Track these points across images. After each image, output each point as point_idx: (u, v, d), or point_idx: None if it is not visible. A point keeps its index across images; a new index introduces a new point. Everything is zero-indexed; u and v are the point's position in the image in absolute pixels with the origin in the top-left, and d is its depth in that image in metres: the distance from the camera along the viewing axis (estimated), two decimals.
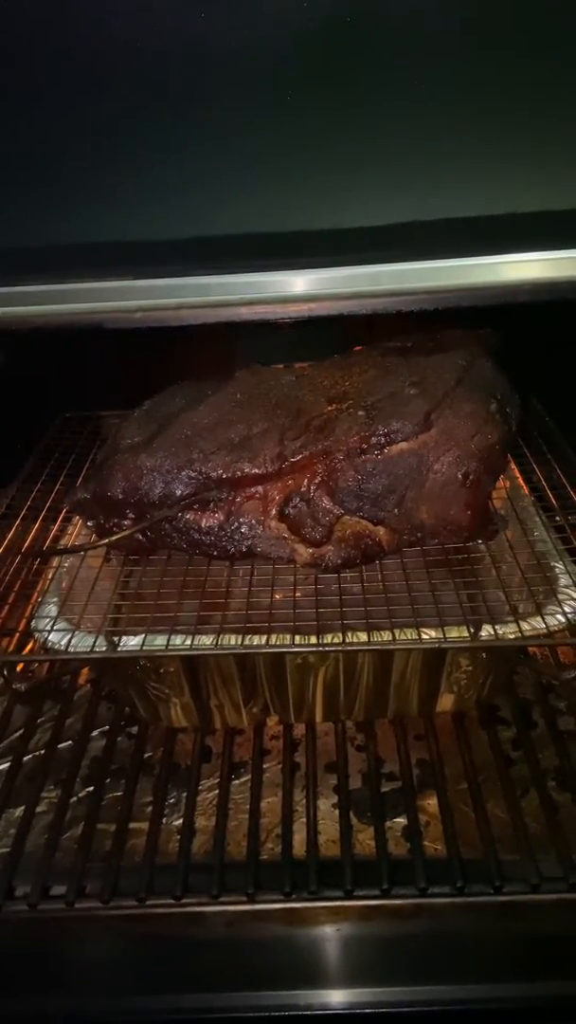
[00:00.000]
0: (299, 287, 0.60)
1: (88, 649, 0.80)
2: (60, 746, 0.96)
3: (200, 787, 0.92)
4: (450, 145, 0.58)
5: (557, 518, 0.95)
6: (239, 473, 0.85)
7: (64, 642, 0.81)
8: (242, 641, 0.79)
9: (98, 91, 0.59)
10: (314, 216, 0.59)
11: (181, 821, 0.87)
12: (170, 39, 0.58)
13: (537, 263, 0.59)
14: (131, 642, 0.80)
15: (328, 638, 0.78)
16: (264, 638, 0.79)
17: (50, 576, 0.91)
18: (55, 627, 0.83)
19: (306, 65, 0.58)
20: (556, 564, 0.88)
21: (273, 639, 0.78)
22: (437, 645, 0.78)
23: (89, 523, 0.92)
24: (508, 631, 0.79)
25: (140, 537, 0.89)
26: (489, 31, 0.57)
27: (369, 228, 0.59)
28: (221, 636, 0.79)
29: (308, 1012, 0.73)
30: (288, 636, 0.78)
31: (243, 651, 0.79)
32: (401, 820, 0.87)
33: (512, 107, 0.57)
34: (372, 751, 0.93)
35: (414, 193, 0.58)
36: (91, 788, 0.91)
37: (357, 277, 0.60)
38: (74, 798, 0.90)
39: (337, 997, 0.73)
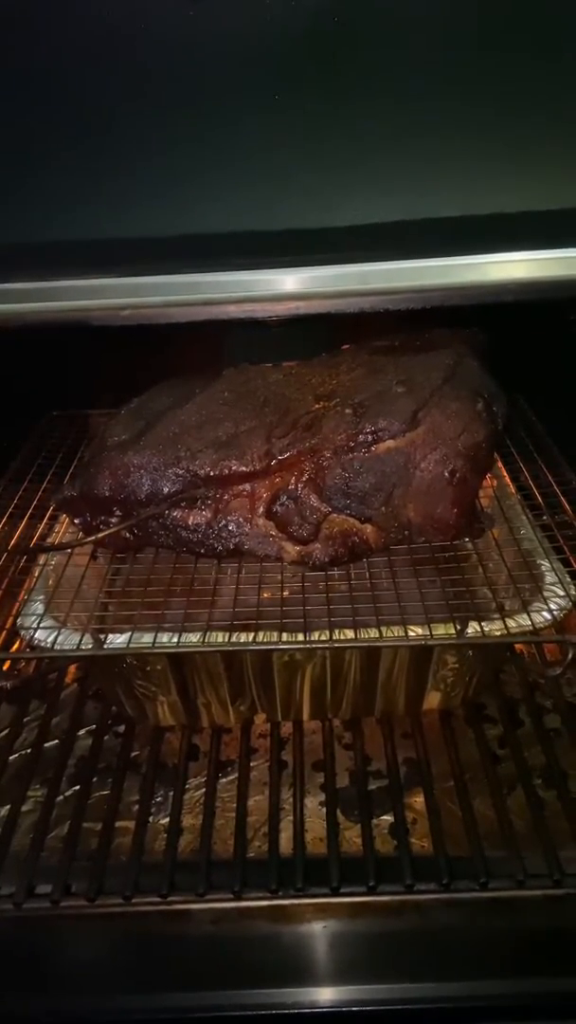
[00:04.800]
0: (287, 285, 0.60)
1: (75, 647, 0.79)
2: (46, 745, 0.96)
3: (187, 786, 0.91)
4: (437, 146, 0.58)
5: (544, 517, 0.95)
6: (226, 471, 0.85)
7: (51, 640, 0.81)
8: (229, 638, 0.79)
9: (86, 89, 0.59)
10: (302, 215, 0.59)
11: (168, 820, 0.87)
12: (159, 37, 0.58)
13: (522, 263, 0.59)
14: (118, 640, 0.80)
15: (315, 635, 0.78)
16: (251, 635, 0.79)
17: (36, 574, 0.91)
18: (41, 625, 0.82)
19: (294, 64, 0.58)
20: (542, 562, 0.88)
21: (260, 636, 0.78)
22: (424, 642, 0.78)
23: (76, 521, 0.92)
24: (494, 628, 0.80)
25: (127, 535, 0.89)
26: (476, 33, 0.57)
27: (357, 227, 0.59)
28: (208, 634, 0.79)
29: (295, 1010, 0.72)
30: (275, 633, 0.78)
31: (230, 648, 0.79)
32: (388, 818, 0.87)
33: (498, 108, 0.58)
34: (359, 749, 0.93)
35: (402, 193, 0.58)
36: (77, 787, 0.91)
37: (345, 276, 0.60)
38: (60, 797, 0.90)
39: (324, 995, 0.73)
